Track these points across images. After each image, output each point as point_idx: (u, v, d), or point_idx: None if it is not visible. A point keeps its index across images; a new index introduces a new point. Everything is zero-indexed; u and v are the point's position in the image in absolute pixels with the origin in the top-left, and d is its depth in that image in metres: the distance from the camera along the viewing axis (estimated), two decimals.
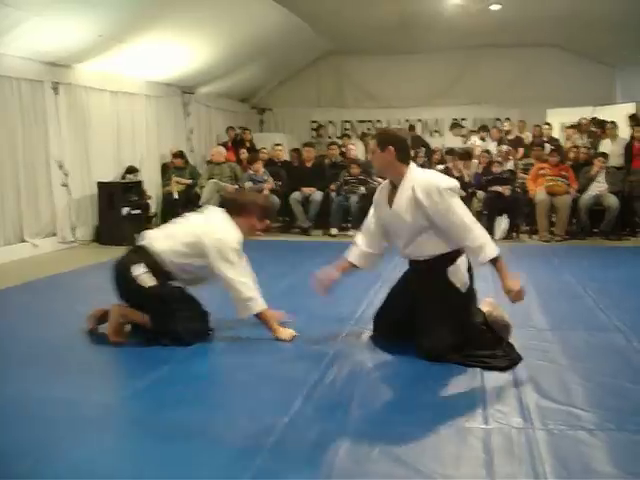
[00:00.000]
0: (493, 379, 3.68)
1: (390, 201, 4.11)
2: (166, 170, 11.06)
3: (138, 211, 9.72)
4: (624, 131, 10.79)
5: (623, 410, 3.27)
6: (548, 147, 10.80)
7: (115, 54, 9.06)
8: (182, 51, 10.14)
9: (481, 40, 13.21)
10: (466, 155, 10.63)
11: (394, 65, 14.35)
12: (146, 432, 3.09)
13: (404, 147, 4.10)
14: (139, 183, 10.00)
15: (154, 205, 10.52)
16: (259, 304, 4.38)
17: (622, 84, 13.86)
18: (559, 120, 12.45)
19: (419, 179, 3.99)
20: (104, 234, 9.47)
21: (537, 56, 13.75)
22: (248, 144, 12.51)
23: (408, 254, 4.20)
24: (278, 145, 11.98)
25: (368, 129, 14.41)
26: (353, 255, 4.42)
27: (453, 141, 12.94)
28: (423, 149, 11.93)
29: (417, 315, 4.08)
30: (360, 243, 4.41)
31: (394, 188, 4.11)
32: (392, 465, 2.75)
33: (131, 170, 10.02)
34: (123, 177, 9.99)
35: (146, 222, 9.98)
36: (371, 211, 4.43)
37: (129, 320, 4.55)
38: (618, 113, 11.50)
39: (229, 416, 3.26)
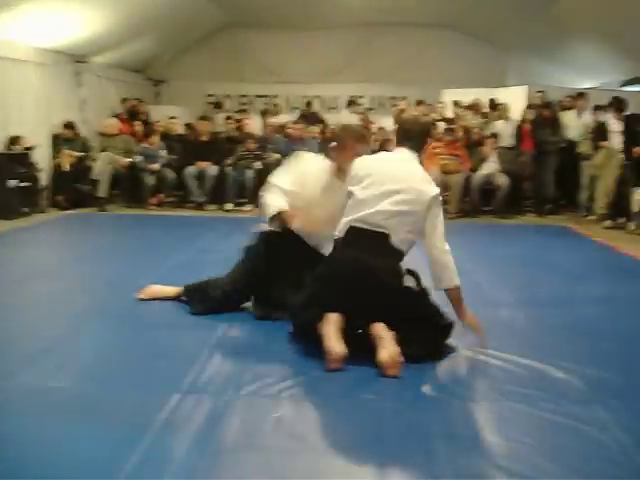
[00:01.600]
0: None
1: None
2: (57, 141, 10.70)
3: (27, 183, 9.37)
4: (516, 113, 11.08)
5: (506, 380, 3.41)
6: (442, 126, 10.97)
7: (2, 18, 8.66)
8: (73, 18, 9.76)
9: (379, 18, 13.34)
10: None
11: (293, 40, 14.35)
12: (31, 410, 3.00)
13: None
14: (26, 154, 9.62)
15: (44, 177, 10.17)
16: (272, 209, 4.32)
17: (514, 67, 14.27)
18: (453, 100, 12.64)
19: None
20: None
21: (434, 36, 14.03)
22: (143, 116, 12.24)
23: None
24: (173, 118, 11.78)
25: (266, 104, 14.34)
26: None
27: (350, 118, 12.98)
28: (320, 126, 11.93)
29: None
30: None
31: None
32: (286, 439, 2.77)
33: (14, 141, 9.58)
34: (9, 148, 9.59)
35: (35, 195, 9.67)
36: None
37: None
38: (511, 96, 11.78)
39: (118, 392, 3.21)
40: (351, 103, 13.58)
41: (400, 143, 4.07)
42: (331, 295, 3.76)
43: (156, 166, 10.30)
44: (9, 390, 3.24)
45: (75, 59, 11.46)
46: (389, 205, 3.78)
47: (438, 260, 3.83)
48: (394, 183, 3.83)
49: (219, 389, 3.25)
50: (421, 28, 13.83)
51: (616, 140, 9.25)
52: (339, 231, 3.92)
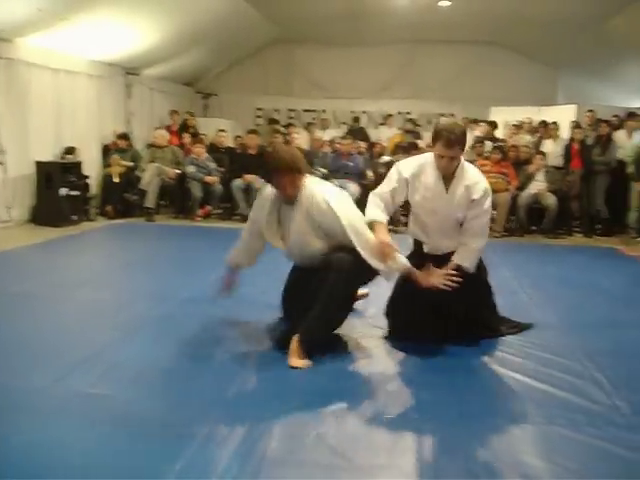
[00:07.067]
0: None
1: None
2: (107, 152, 10.89)
3: (77, 192, 9.54)
4: (565, 132, 10.98)
5: (551, 403, 3.38)
6: (489, 144, 10.91)
7: (57, 31, 8.84)
8: (126, 31, 9.95)
9: (428, 35, 13.37)
10: (411, 147, 10.68)
11: (342, 56, 14.41)
12: (74, 414, 3.06)
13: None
14: (78, 164, 9.81)
15: (93, 187, 10.34)
16: None
17: (564, 86, 14.16)
18: (502, 118, 12.58)
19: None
20: (41, 214, 9.27)
21: (482, 53, 13.97)
22: (192, 129, 12.38)
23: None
24: (222, 131, 11.90)
25: (313, 119, 14.41)
26: None
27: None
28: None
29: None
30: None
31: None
32: (327, 455, 2.78)
33: (69, 151, 9.84)
34: (62, 157, 9.79)
35: (85, 203, 9.84)
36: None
37: None
38: (560, 114, 11.68)
39: (159, 403, 3.26)
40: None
41: None
42: None
43: (214, 178, 10.43)
44: (57, 394, 3.32)
45: (127, 71, 11.67)
46: None
47: None
48: None
49: (263, 404, 3.27)
50: (469, 45, 13.81)
51: None
52: None
